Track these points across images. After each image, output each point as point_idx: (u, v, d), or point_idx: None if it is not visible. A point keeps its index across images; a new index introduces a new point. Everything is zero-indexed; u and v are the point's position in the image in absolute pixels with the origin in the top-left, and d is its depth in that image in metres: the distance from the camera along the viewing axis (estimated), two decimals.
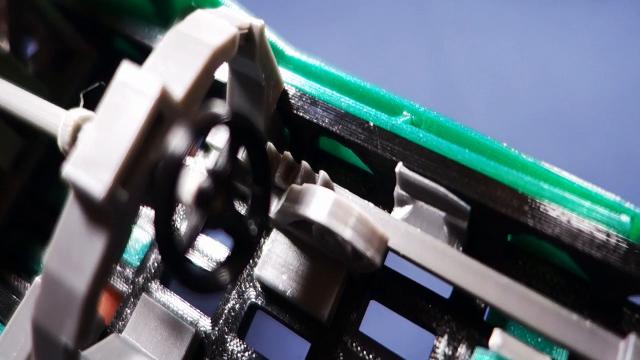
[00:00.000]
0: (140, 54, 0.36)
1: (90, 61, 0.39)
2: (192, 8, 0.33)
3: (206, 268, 0.29)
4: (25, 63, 0.40)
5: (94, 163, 0.20)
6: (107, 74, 0.39)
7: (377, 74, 0.74)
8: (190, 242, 0.20)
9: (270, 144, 0.27)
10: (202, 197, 0.20)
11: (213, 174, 0.21)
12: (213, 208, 0.21)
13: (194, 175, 0.21)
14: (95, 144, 0.20)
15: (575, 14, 0.76)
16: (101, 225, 0.21)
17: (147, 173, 0.21)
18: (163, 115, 0.21)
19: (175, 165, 0.19)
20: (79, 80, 0.39)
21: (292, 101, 0.28)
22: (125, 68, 0.22)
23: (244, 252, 0.23)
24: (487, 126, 0.70)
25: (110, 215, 0.20)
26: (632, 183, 0.66)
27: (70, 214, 0.21)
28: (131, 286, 0.30)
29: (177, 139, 0.20)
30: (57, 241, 0.21)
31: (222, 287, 0.22)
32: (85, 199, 0.21)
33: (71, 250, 0.21)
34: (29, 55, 0.41)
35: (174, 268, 0.20)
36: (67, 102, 0.38)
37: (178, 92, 0.22)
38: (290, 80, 0.28)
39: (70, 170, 0.20)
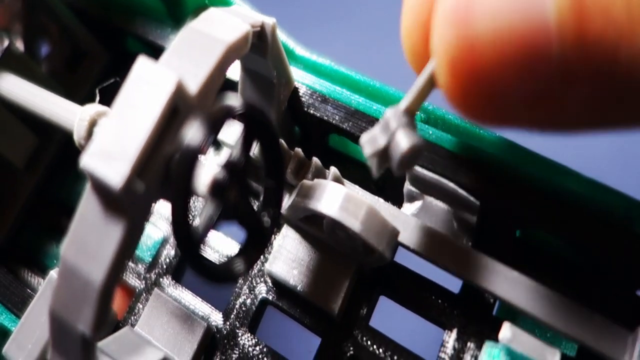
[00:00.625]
0: (152, 54, 0.37)
1: (102, 62, 0.40)
2: (204, 8, 0.34)
3: (215, 261, 0.29)
4: (39, 63, 0.40)
5: (111, 154, 0.21)
6: (119, 75, 0.39)
7: (383, 71, 0.75)
8: (206, 231, 0.21)
9: (281, 141, 0.27)
10: (217, 188, 0.21)
11: (227, 165, 0.21)
12: (227, 198, 0.21)
13: (209, 167, 0.21)
14: (112, 135, 0.21)
15: None
16: (118, 215, 0.21)
17: (163, 165, 0.21)
18: (178, 108, 0.21)
19: (192, 155, 0.20)
20: (92, 82, 0.40)
21: (303, 99, 0.28)
22: (142, 62, 0.22)
23: (258, 243, 0.23)
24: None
25: (126, 206, 0.21)
26: (632, 183, 0.66)
27: (88, 204, 0.22)
28: (143, 282, 0.31)
29: (193, 131, 0.20)
30: (74, 231, 0.22)
31: (236, 276, 0.22)
32: (102, 190, 0.21)
33: (88, 240, 0.22)
34: (43, 55, 0.41)
35: (190, 256, 0.20)
36: (80, 103, 0.39)
37: (193, 86, 0.22)
38: (301, 79, 0.29)
39: (87, 161, 0.21)
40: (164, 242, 0.32)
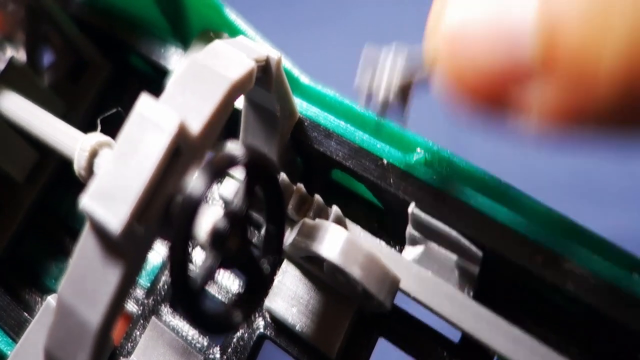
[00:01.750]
0: (154, 72, 0.37)
1: (104, 74, 0.40)
2: (209, 31, 0.34)
3: (217, 295, 0.29)
4: (41, 74, 0.40)
5: (111, 197, 0.20)
6: (121, 88, 0.39)
7: None
8: (204, 282, 0.20)
9: (283, 175, 0.27)
10: (218, 238, 0.20)
11: (229, 214, 0.21)
12: (228, 248, 0.21)
13: (210, 212, 0.21)
14: (113, 177, 0.21)
15: None
16: (116, 258, 0.21)
17: (163, 207, 0.21)
18: (180, 149, 0.21)
19: (193, 208, 0.19)
20: (94, 93, 0.39)
21: (307, 132, 0.28)
22: (144, 100, 0.22)
23: (257, 290, 0.23)
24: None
25: (125, 249, 0.21)
26: (633, 183, 0.66)
27: (86, 245, 0.21)
28: (141, 307, 0.31)
29: (195, 181, 0.20)
30: (72, 272, 0.22)
31: (234, 327, 0.22)
32: (101, 232, 0.21)
33: (85, 281, 0.21)
34: (45, 65, 0.41)
35: (187, 309, 0.20)
36: (82, 115, 0.38)
37: (195, 126, 0.22)
38: (305, 111, 0.28)
39: (87, 202, 0.20)
40: (162, 267, 0.32)
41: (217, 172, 0.20)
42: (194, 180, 0.20)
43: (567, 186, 0.67)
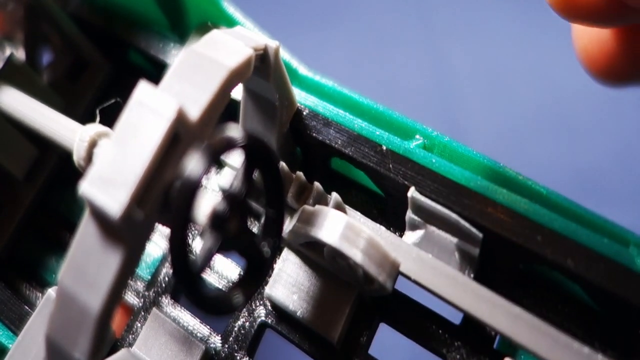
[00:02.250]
0: (154, 68, 0.37)
1: (104, 73, 0.40)
2: (208, 25, 0.34)
3: (217, 285, 0.29)
4: (40, 73, 0.40)
5: (111, 182, 0.20)
6: (121, 86, 0.39)
7: (377, 79, 0.75)
8: (205, 264, 0.20)
9: (282, 164, 0.27)
10: (217, 220, 0.20)
11: (228, 196, 0.21)
12: (227, 230, 0.21)
13: (209, 196, 0.21)
14: (112, 162, 0.21)
15: None
16: (116, 243, 0.21)
17: (162, 193, 0.21)
18: (179, 135, 0.21)
19: (192, 189, 0.19)
20: (93, 92, 0.39)
21: (305, 121, 0.28)
22: (142, 87, 0.22)
23: (257, 273, 0.23)
24: (488, 128, 0.70)
25: (125, 234, 0.21)
26: (632, 183, 0.66)
27: (86, 231, 0.21)
28: (142, 300, 0.31)
29: (193, 163, 0.20)
30: (72, 258, 0.22)
31: (235, 308, 0.22)
32: (101, 217, 0.21)
33: (86, 267, 0.21)
34: (44, 64, 0.41)
35: (188, 290, 0.20)
36: (81, 113, 0.38)
37: (194, 112, 0.22)
38: (304, 100, 0.28)
39: (86, 188, 0.21)
40: (163, 260, 0.32)
41: (216, 154, 0.20)
42: (193, 162, 0.20)
43: (567, 187, 0.67)
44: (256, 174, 0.25)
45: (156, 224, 0.23)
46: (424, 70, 0.76)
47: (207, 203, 0.21)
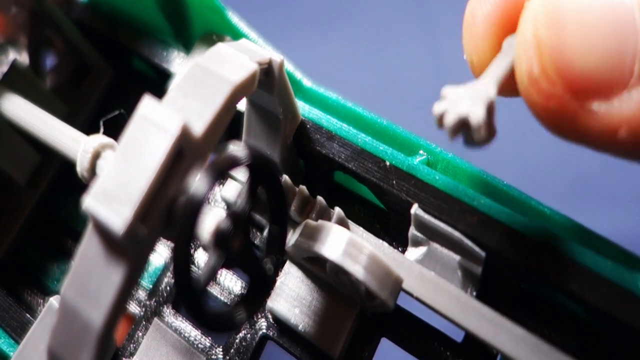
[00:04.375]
0: (157, 75, 0.37)
1: (107, 79, 0.40)
2: (212, 34, 0.34)
3: (219, 296, 0.29)
4: (43, 77, 0.40)
5: (115, 198, 0.20)
6: (124, 93, 0.39)
7: (375, 76, 0.75)
8: (208, 282, 0.20)
9: (285, 177, 0.27)
10: (221, 238, 0.20)
11: (232, 214, 0.21)
12: (231, 248, 0.21)
13: (213, 214, 0.21)
14: (116, 178, 0.21)
15: None
16: (119, 258, 0.21)
17: (166, 208, 0.21)
18: (183, 151, 0.21)
19: (196, 209, 0.19)
20: (96, 98, 0.39)
21: (309, 135, 0.28)
22: (147, 102, 0.22)
23: (260, 290, 0.23)
24: None
25: (128, 249, 0.21)
26: (632, 183, 0.66)
27: (89, 245, 0.21)
28: (143, 309, 0.31)
29: (199, 181, 0.20)
30: (75, 272, 0.22)
31: (238, 326, 0.22)
32: (104, 233, 0.21)
33: (88, 282, 0.21)
34: (47, 68, 0.41)
35: (191, 309, 0.20)
36: (84, 119, 0.38)
37: (198, 128, 0.22)
38: (307, 113, 0.28)
39: (90, 203, 0.21)
40: (165, 269, 0.32)
41: (220, 173, 0.20)
42: (198, 181, 0.20)
43: (567, 186, 0.67)
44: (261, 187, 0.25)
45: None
46: (423, 66, 0.75)
47: (211, 220, 0.21)
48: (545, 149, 0.69)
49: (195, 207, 0.19)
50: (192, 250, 0.30)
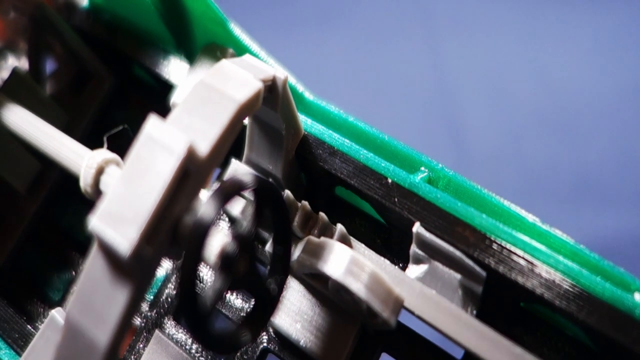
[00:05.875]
0: (158, 84, 0.37)
1: (107, 86, 0.40)
2: (214, 45, 0.34)
3: (223, 311, 0.29)
4: (43, 83, 0.40)
5: (120, 219, 0.21)
6: (124, 100, 0.39)
7: (373, 76, 0.75)
8: (213, 305, 0.21)
9: (288, 192, 0.27)
10: (227, 261, 0.21)
11: (237, 237, 0.21)
12: (236, 271, 0.21)
13: (219, 237, 0.21)
14: (122, 199, 0.21)
15: (575, 14, 0.76)
16: (124, 278, 0.21)
17: (171, 228, 0.21)
18: (188, 171, 0.21)
19: (203, 233, 0.20)
20: (96, 105, 0.39)
21: (311, 150, 0.28)
22: (153, 122, 0.22)
23: (264, 310, 0.23)
24: (487, 128, 0.71)
25: (133, 270, 0.21)
26: (632, 184, 0.66)
27: (94, 265, 0.22)
28: (144, 320, 0.31)
29: (205, 206, 0.20)
30: (80, 291, 0.22)
31: (243, 346, 0.22)
32: (109, 253, 0.21)
33: (94, 301, 0.22)
34: (47, 75, 0.41)
35: (196, 331, 0.20)
36: (84, 126, 0.38)
37: (203, 148, 0.22)
38: (310, 128, 0.28)
39: (96, 224, 0.21)
40: (165, 280, 0.32)
41: (227, 198, 0.20)
42: (204, 206, 0.20)
43: (568, 187, 0.67)
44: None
45: None
46: (423, 67, 0.76)
47: (217, 243, 0.21)
48: (546, 149, 0.69)
49: (202, 232, 0.20)
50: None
